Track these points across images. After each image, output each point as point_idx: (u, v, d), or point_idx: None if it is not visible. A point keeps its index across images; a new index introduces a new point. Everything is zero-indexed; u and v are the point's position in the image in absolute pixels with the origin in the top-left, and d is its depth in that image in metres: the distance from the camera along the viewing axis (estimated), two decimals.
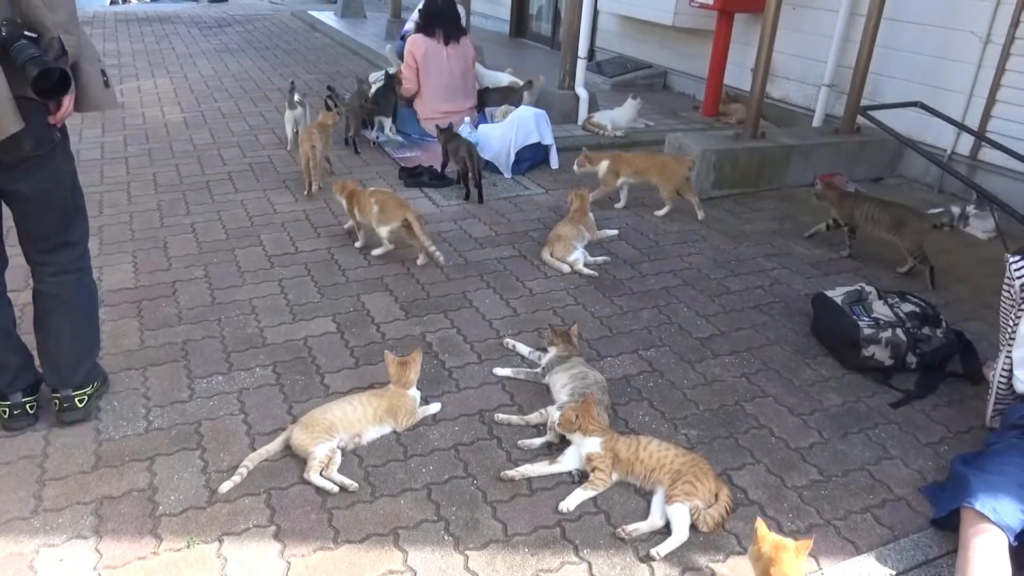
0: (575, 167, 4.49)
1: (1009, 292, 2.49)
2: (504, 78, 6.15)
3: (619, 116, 5.81)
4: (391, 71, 5.66)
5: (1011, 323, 2.50)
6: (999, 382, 2.53)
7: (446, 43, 5.33)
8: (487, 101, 5.71)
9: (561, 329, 2.84)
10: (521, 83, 5.81)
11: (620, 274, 3.69)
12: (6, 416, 2.39)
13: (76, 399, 2.44)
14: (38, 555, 1.98)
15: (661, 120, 6.31)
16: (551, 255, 3.70)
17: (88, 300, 2.48)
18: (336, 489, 2.22)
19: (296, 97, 5.20)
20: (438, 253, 3.56)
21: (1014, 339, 2.46)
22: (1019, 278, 2.45)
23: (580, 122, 5.88)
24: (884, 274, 3.81)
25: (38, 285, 2.36)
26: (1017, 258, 2.46)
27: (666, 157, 4.34)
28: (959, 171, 4.56)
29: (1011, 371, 2.47)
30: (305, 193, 4.46)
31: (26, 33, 1.95)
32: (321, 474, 2.25)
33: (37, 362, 2.48)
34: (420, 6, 5.60)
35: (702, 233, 4.23)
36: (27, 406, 2.42)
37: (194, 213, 4.18)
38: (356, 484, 2.24)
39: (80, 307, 2.44)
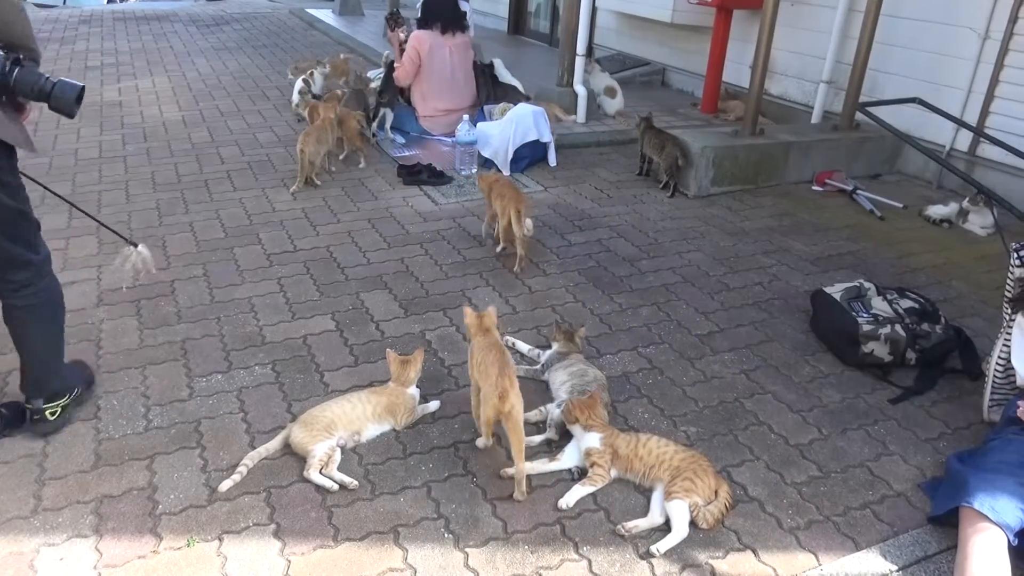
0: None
1: (1010, 281, 2.50)
2: (517, 84, 6.13)
3: (596, 85, 6.05)
4: (391, 59, 5.70)
5: (1010, 312, 2.50)
6: (995, 371, 2.54)
7: (443, 33, 5.32)
8: (494, 91, 5.71)
9: (566, 327, 2.84)
10: (522, 91, 5.83)
11: (619, 271, 3.69)
12: None
13: (47, 411, 2.38)
14: (38, 554, 1.99)
15: (659, 117, 6.29)
16: None
17: (57, 305, 2.40)
18: (336, 487, 2.23)
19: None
20: None
21: (1011, 328, 2.47)
22: (1019, 266, 2.45)
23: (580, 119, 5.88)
24: (884, 271, 3.81)
25: (9, 300, 2.26)
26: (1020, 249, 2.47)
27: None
28: (958, 167, 4.55)
29: (1007, 360, 2.47)
30: (291, 189, 4.52)
31: None
32: (321, 472, 2.25)
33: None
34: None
35: (701, 230, 4.22)
36: None
37: (193, 212, 4.18)
38: (356, 482, 2.24)
39: (53, 314, 2.37)
